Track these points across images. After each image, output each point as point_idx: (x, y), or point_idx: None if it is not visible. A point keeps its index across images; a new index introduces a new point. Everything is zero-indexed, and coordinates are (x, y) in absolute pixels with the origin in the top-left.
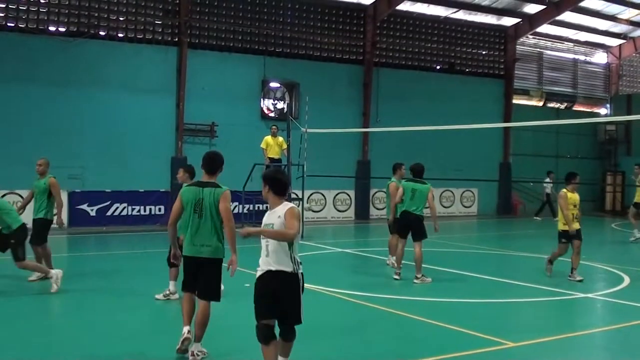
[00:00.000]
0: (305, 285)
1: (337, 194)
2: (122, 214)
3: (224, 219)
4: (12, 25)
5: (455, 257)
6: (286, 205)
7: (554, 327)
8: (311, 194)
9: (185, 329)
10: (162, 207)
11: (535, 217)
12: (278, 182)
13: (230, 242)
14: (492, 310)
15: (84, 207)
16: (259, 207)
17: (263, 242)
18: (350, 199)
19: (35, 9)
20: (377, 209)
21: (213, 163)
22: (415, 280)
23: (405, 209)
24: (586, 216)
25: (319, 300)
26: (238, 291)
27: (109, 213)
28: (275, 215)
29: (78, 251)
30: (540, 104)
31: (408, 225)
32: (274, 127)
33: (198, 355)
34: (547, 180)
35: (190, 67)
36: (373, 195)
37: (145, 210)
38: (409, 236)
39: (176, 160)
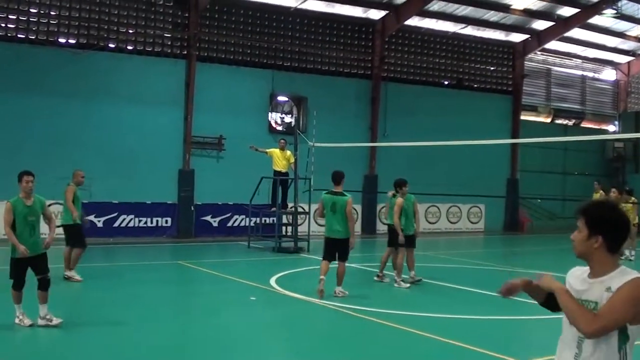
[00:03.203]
0: (311, 299)
1: None
2: (129, 225)
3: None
4: (23, 36)
5: (463, 273)
6: (625, 274)
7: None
8: (317, 209)
9: (322, 277)
10: (169, 219)
11: None
12: (620, 228)
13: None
14: (501, 328)
15: (91, 218)
16: (265, 220)
17: (566, 322)
18: (357, 213)
19: (46, 20)
20: (384, 223)
21: (337, 177)
22: (396, 285)
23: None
24: None
25: (325, 315)
26: (243, 302)
27: (116, 224)
28: (602, 287)
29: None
30: (549, 120)
31: None
32: (282, 140)
33: (339, 294)
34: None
35: (198, 80)
36: (380, 210)
37: (152, 222)
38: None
39: (183, 173)
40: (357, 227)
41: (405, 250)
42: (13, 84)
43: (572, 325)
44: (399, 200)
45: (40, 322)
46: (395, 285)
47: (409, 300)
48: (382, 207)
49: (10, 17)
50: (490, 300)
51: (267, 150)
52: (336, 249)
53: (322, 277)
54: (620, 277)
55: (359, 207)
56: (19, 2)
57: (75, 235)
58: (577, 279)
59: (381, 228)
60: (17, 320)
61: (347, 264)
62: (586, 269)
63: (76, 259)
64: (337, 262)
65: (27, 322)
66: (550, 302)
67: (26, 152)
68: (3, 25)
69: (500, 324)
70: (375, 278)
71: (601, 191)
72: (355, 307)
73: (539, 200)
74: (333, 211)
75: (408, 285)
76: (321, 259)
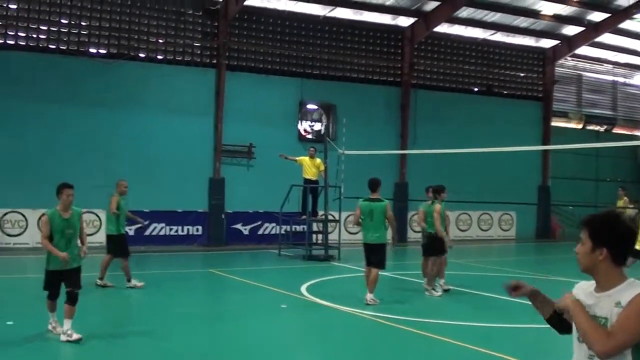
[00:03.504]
0: (342, 307)
1: None
2: (161, 233)
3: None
4: (54, 47)
5: (494, 281)
6: (635, 287)
7: None
8: (348, 216)
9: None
10: (200, 228)
11: None
12: (625, 239)
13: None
14: (533, 336)
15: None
16: (295, 228)
17: (576, 340)
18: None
19: (76, 31)
20: (415, 231)
21: (373, 185)
22: (427, 293)
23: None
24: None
25: (356, 324)
26: (274, 310)
27: (147, 233)
28: (610, 301)
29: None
30: (580, 126)
31: None
32: (311, 148)
33: (370, 301)
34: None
35: (228, 88)
36: (410, 218)
37: (183, 231)
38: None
39: (214, 181)
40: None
41: (429, 259)
42: (45, 93)
43: (583, 343)
44: (437, 206)
45: (62, 337)
46: (427, 293)
47: (440, 309)
48: (414, 215)
49: (41, 27)
50: (523, 309)
51: (297, 158)
52: (372, 254)
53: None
54: (629, 290)
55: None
56: (50, 13)
57: (119, 244)
58: (584, 292)
59: (412, 236)
60: (49, 327)
61: (389, 274)
62: (592, 283)
63: (126, 268)
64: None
65: (59, 330)
66: (554, 319)
67: (58, 161)
68: (35, 35)
69: (534, 333)
70: (426, 292)
71: (625, 197)
72: (386, 316)
73: (571, 207)
74: (370, 218)
75: (440, 293)
76: (364, 265)
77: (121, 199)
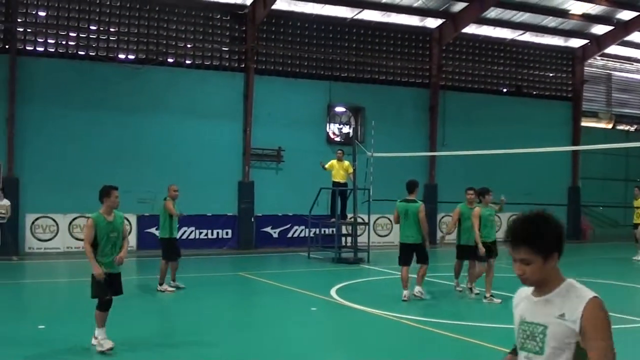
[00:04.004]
0: (372, 310)
1: None
2: (190, 237)
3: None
4: (83, 53)
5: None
6: (583, 295)
7: (628, 356)
8: (377, 219)
9: (405, 291)
10: (230, 231)
11: None
12: (563, 232)
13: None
14: None
15: (153, 230)
16: (324, 231)
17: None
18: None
19: (105, 37)
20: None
21: (410, 186)
22: (475, 296)
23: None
24: None
25: (387, 327)
26: (304, 313)
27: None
28: (550, 308)
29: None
30: (610, 126)
31: None
32: (339, 151)
33: (418, 293)
34: None
35: (256, 92)
36: (440, 220)
37: (213, 234)
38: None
39: (243, 185)
40: None
41: (470, 262)
42: (75, 100)
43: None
44: (477, 209)
45: (93, 341)
46: (485, 301)
47: (472, 311)
48: (444, 216)
49: (71, 34)
50: None
51: (326, 165)
52: (411, 253)
53: (405, 291)
54: (570, 297)
55: None
56: (79, 20)
57: (170, 248)
58: (521, 299)
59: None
60: (94, 342)
61: (410, 275)
62: (529, 287)
63: (170, 271)
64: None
65: (108, 345)
66: None
67: (88, 166)
68: (64, 42)
69: None
70: (484, 300)
71: None
72: (417, 318)
73: (601, 208)
74: (406, 218)
75: (500, 300)
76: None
77: (174, 203)
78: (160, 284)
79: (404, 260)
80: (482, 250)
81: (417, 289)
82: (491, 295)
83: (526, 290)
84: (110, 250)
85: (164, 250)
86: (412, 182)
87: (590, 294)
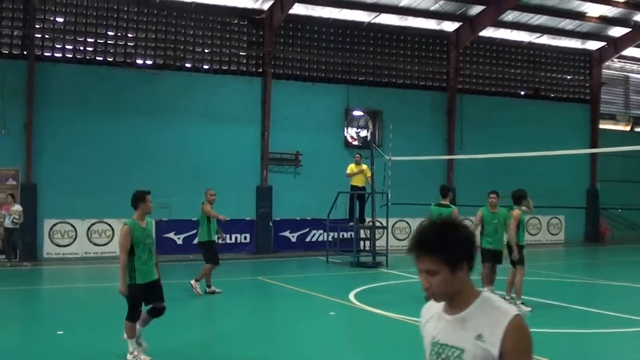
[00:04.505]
0: (391, 314)
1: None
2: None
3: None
4: (101, 59)
5: (543, 285)
6: (503, 313)
7: None
8: (396, 222)
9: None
10: (248, 236)
11: None
12: (475, 240)
13: None
14: (583, 341)
15: (171, 235)
16: (343, 234)
17: None
18: None
19: (123, 42)
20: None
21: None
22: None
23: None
24: None
25: (405, 331)
26: (323, 318)
27: (195, 242)
28: (467, 329)
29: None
30: (628, 128)
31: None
32: (357, 155)
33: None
34: None
35: (274, 97)
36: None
37: (231, 239)
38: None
39: (261, 189)
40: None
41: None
42: (93, 105)
43: None
44: (517, 212)
45: (129, 357)
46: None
47: None
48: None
49: (88, 40)
50: (573, 313)
51: (347, 172)
52: None
53: None
54: (487, 314)
55: None
56: (97, 25)
57: (210, 250)
58: (431, 315)
59: None
60: (130, 357)
61: None
62: (439, 303)
63: (207, 273)
64: None
65: (144, 358)
66: None
67: (107, 171)
68: (82, 48)
69: (582, 338)
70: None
71: None
72: None
73: (620, 210)
74: None
75: (530, 308)
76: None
77: (212, 207)
78: (209, 286)
79: None
80: (516, 254)
81: None
82: (522, 302)
83: (436, 307)
84: (147, 257)
85: (206, 253)
86: (445, 186)
87: (511, 311)
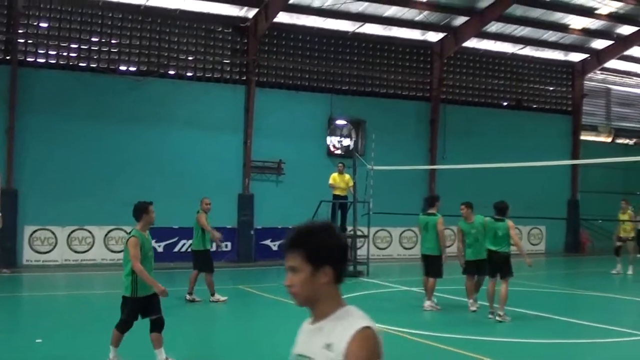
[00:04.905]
0: None
1: (403, 231)
2: (189, 250)
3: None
4: (84, 65)
5: (524, 296)
6: (353, 322)
7: None
8: (377, 231)
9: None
10: (229, 244)
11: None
12: (345, 250)
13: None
14: (565, 352)
15: (152, 243)
16: None
17: None
18: (417, 236)
19: (107, 49)
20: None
21: (430, 200)
22: (499, 319)
23: (491, 247)
24: None
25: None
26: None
27: (176, 249)
28: (321, 336)
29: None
30: (609, 140)
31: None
32: (340, 164)
33: (427, 307)
34: None
35: (257, 105)
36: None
37: (212, 247)
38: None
39: (243, 197)
40: (417, 250)
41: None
42: (75, 111)
43: None
44: (511, 222)
45: None
46: (498, 319)
47: (471, 325)
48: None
49: (72, 46)
50: (554, 324)
51: (330, 182)
52: (428, 265)
53: (427, 301)
54: (341, 324)
55: (418, 230)
56: (81, 31)
57: (205, 260)
58: (302, 329)
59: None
60: None
61: (418, 289)
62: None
63: (211, 283)
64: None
65: None
66: None
67: (90, 178)
68: (65, 54)
69: (564, 349)
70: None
71: (630, 210)
72: (415, 332)
73: (600, 221)
74: (426, 230)
75: (509, 318)
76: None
77: (207, 216)
78: (212, 295)
79: (425, 271)
80: (529, 261)
81: (427, 303)
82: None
83: (309, 319)
84: (150, 269)
85: (202, 263)
86: (431, 196)
87: (362, 322)
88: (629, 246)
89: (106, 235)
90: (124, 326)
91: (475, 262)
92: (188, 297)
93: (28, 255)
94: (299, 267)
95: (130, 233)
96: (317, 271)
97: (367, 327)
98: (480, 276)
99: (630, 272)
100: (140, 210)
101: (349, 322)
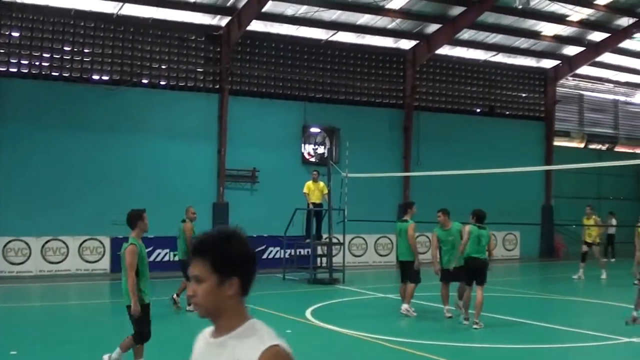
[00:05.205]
0: (348, 331)
1: (378, 238)
2: (164, 259)
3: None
4: (57, 74)
5: (500, 301)
6: (261, 340)
7: None
8: (352, 239)
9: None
10: None
11: (609, 260)
12: (254, 261)
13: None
14: (540, 357)
15: None
16: (299, 251)
17: None
18: (392, 243)
19: (79, 58)
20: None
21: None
22: (475, 326)
23: (473, 254)
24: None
25: (362, 348)
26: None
27: (151, 259)
28: (226, 354)
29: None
30: (582, 145)
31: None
32: (314, 172)
33: (404, 311)
34: (613, 222)
35: (231, 113)
36: (415, 239)
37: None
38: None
39: (218, 206)
40: (392, 257)
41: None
42: (48, 121)
43: None
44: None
45: None
46: (478, 327)
47: (447, 332)
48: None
49: (44, 55)
50: (530, 329)
51: (304, 191)
52: (404, 270)
53: (403, 305)
54: (246, 341)
55: (393, 237)
56: (53, 41)
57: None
58: (201, 340)
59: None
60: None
61: (394, 296)
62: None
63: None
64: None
65: None
66: None
67: (64, 188)
68: (38, 63)
69: (539, 354)
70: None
71: (594, 216)
72: (391, 339)
73: (574, 226)
74: (400, 236)
75: (482, 325)
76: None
77: (193, 225)
78: (189, 304)
79: (402, 278)
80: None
81: (404, 306)
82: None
83: (210, 329)
84: (147, 274)
85: (186, 271)
86: (405, 203)
87: (270, 340)
88: (594, 251)
89: (80, 245)
90: (142, 337)
91: (451, 269)
92: (175, 297)
93: (2, 267)
94: (203, 277)
95: (127, 241)
96: (223, 282)
97: (276, 345)
98: (467, 285)
99: (604, 276)
100: (135, 218)
101: (256, 339)
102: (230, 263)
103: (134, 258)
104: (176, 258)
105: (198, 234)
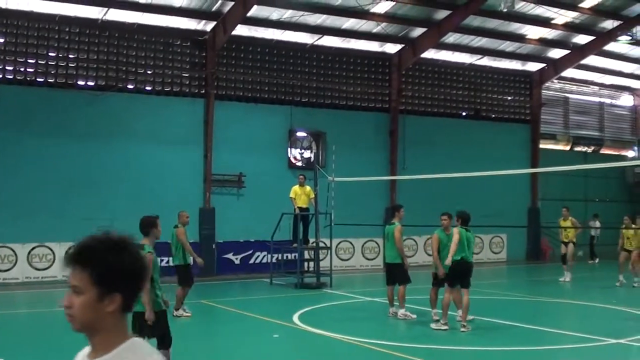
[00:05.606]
0: (336, 335)
1: (365, 242)
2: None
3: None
4: (42, 80)
5: (487, 304)
6: (136, 355)
7: None
8: (339, 243)
9: (391, 308)
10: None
11: (591, 261)
12: (140, 275)
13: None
14: (528, 359)
15: None
16: (286, 256)
17: None
18: (379, 246)
19: (64, 64)
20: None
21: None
22: (463, 329)
23: (463, 257)
24: (615, 259)
25: (350, 352)
26: (266, 340)
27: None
28: None
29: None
30: (568, 148)
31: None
32: (301, 176)
33: (400, 316)
34: (597, 224)
35: (217, 118)
36: (402, 242)
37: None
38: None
39: (204, 211)
40: (379, 261)
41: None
42: (34, 127)
43: None
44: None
45: None
46: (465, 330)
47: (434, 335)
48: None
49: (29, 61)
50: (517, 332)
51: (290, 195)
52: (391, 273)
53: (390, 308)
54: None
55: (380, 241)
56: (38, 46)
57: (184, 275)
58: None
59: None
60: None
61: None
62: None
63: (181, 298)
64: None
65: None
66: None
67: (48, 193)
68: (22, 69)
69: (527, 356)
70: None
71: (571, 218)
72: (379, 342)
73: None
74: (387, 239)
75: (469, 328)
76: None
77: (185, 229)
78: (177, 309)
79: (387, 280)
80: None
81: (401, 312)
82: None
83: (86, 350)
84: (159, 281)
85: (180, 277)
86: (392, 206)
87: (154, 356)
88: (568, 249)
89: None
90: (166, 342)
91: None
92: (175, 312)
93: None
94: (82, 288)
95: (143, 249)
96: (104, 297)
97: None
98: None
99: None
100: (149, 225)
101: (136, 355)
102: (113, 277)
103: (151, 268)
104: (163, 264)
105: (82, 238)
